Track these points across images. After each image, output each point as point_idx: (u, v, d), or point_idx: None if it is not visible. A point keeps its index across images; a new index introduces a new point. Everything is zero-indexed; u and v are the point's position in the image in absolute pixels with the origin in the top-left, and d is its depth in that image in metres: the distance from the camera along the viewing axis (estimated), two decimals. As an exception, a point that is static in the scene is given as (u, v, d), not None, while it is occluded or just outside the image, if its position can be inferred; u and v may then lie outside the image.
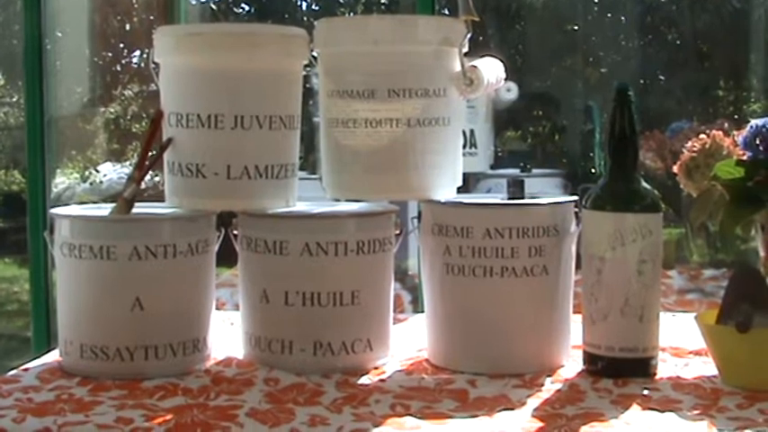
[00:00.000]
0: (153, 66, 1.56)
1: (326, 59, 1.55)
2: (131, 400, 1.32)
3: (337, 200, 1.61)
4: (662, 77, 7.00)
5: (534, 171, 4.64)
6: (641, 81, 6.80)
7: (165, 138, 1.52)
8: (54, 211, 1.50)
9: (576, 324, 1.49)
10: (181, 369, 1.44)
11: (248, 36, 1.49)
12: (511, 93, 4.37)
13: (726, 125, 1.74)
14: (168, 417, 1.25)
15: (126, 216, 1.48)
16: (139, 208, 1.52)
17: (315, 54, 1.56)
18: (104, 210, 1.53)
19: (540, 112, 7.35)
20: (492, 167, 4.25)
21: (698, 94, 7.01)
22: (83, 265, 1.43)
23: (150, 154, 1.54)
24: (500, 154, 5.37)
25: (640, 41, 7.15)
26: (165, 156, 1.53)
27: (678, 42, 7.22)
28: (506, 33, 7.20)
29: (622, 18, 7.19)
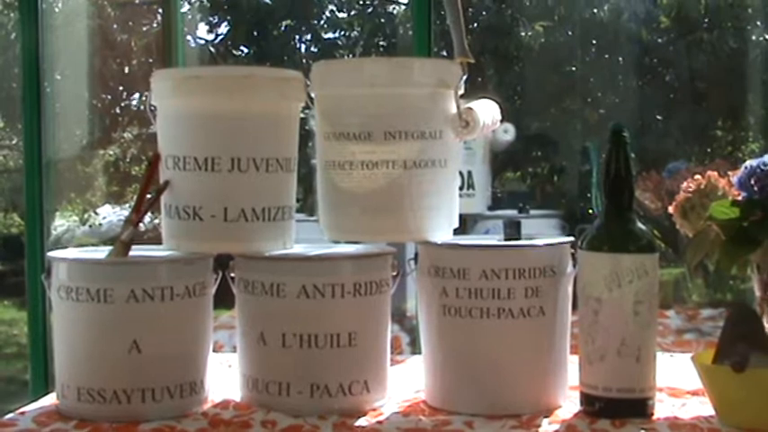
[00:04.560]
0: (151, 108, 1.57)
1: (323, 102, 1.56)
2: (128, 443, 1.32)
3: (335, 242, 1.62)
4: (660, 118, 7.03)
5: (532, 212, 4.65)
6: (639, 122, 6.82)
7: (162, 180, 1.53)
8: (51, 254, 1.50)
9: (573, 365, 1.49)
10: (178, 412, 1.44)
11: (244, 79, 1.50)
12: (508, 134, 4.39)
13: (721, 166, 1.74)
14: (165, 460, 1.25)
15: (123, 259, 1.49)
16: (137, 251, 1.53)
17: (312, 96, 1.57)
18: (102, 252, 1.53)
19: (539, 153, 7.37)
20: (490, 209, 4.26)
21: (696, 135, 7.03)
22: (80, 308, 1.43)
23: (148, 197, 1.55)
24: (499, 195, 5.38)
25: (638, 82, 7.18)
26: (163, 198, 1.53)
27: (676, 83, 7.25)
28: (505, 75, 7.23)
29: (620, 59, 7.22)
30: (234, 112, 1.49)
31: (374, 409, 1.48)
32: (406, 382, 1.63)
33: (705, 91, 7.14)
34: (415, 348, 2.47)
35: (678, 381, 1.58)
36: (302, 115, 1.61)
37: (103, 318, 1.42)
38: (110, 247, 1.53)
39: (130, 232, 1.51)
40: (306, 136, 1.62)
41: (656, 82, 7.20)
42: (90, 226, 7.11)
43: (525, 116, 7.08)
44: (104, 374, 1.43)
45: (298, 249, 1.57)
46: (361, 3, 8.07)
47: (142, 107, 1.58)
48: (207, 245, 1.51)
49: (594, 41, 7.21)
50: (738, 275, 1.59)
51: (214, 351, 1.55)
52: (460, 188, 1.62)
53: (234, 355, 1.59)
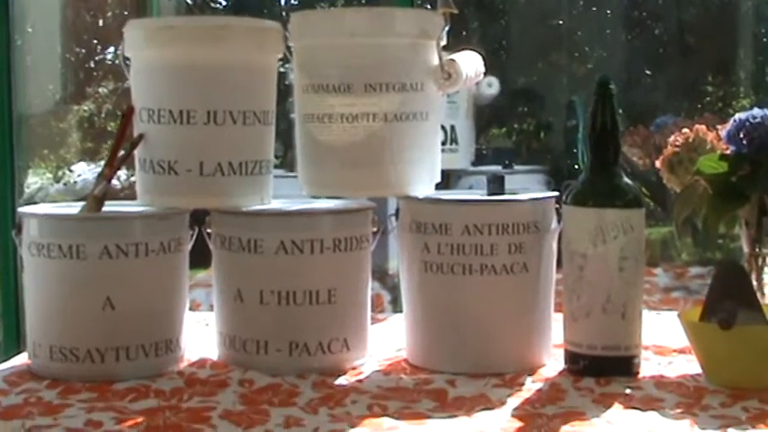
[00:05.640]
0: (125, 61, 1.56)
1: (301, 53, 1.55)
2: (102, 402, 1.32)
3: (315, 197, 1.61)
4: (648, 72, 7.02)
5: (516, 168, 4.64)
6: (627, 76, 6.81)
7: (136, 134, 1.52)
8: (22, 209, 1.49)
9: (557, 322, 1.49)
10: (153, 370, 1.44)
11: (220, 29, 1.49)
12: (492, 88, 4.36)
13: (710, 120, 1.74)
14: (139, 419, 1.25)
15: (96, 214, 1.48)
16: (110, 206, 1.52)
17: (290, 48, 1.56)
18: (74, 208, 1.52)
19: (526, 109, 7.36)
20: (473, 164, 4.25)
21: (685, 90, 7.03)
22: (52, 265, 1.42)
23: (121, 151, 1.54)
24: (485, 152, 5.37)
25: (627, 36, 7.16)
26: (137, 152, 1.53)
27: (665, 37, 7.23)
28: (489, 28, 7.20)
29: (608, 12, 7.20)
30: (209, 64, 1.48)
31: (354, 368, 1.49)
32: (387, 340, 1.63)
33: (695, 45, 7.13)
34: (396, 307, 2.48)
35: (665, 338, 1.59)
36: (282, 69, 1.60)
37: (76, 274, 1.41)
38: (82, 203, 1.53)
39: (103, 187, 1.50)
40: (286, 91, 1.61)
41: (644, 35, 7.18)
42: (64, 184, 7.08)
43: (511, 71, 7.06)
44: (77, 333, 1.43)
45: (276, 204, 1.57)
46: (342, -47, 8.03)
47: (117, 61, 1.57)
48: (182, 200, 1.50)
49: (582, -6, 7.19)
50: (727, 234, 1.59)
51: (191, 310, 1.56)
52: (443, 143, 1.63)
53: (211, 314, 1.59)
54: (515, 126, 7.40)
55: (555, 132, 6.80)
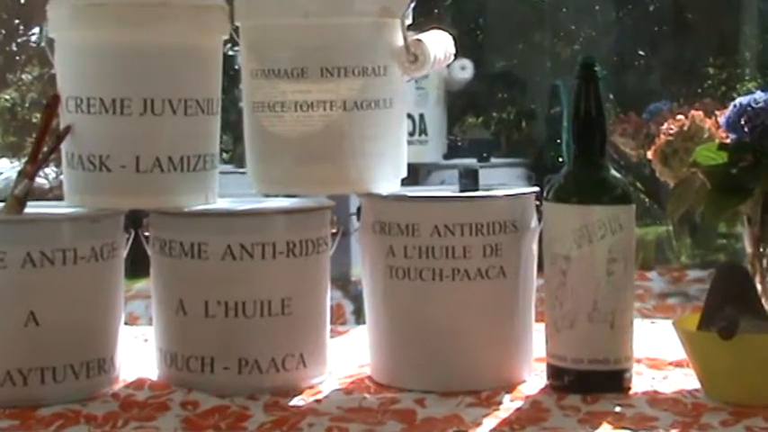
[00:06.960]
0: (49, 42, 1.56)
1: (250, 34, 1.55)
2: (24, 430, 1.32)
3: (266, 195, 1.62)
4: (642, 53, 7.04)
5: (494, 161, 4.65)
6: (619, 58, 6.83)
7: (62, 126, 1.52)
8: (-69, 213, 1.49)
9: (539, 333, 1.50)
10: (84, 393, 1.44)
11: (157, 7, 1.48)
12: (465, 71, 4.36)
13: (708, 105, 1.75)
14: (68, 448, 1.25)
15: (17, 217, 1.48)
16: (34, 207, 1.52)
17: (238, 28, 1.56)
18: (-9, 210, 1.52)
19: (505, 96, 7.37)
20: (446, 157, 4.24)
21: (684, 73, 7.05)
22: (-33, 275, 1.42)
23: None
24: (460, 143, 5.39)
25: (618, 13, 7.19)
26: (64, 147, 1.52)
27: (661, 13, 7.26)
28: (464, 5, 7.22)
29: (596, -14, 7.23)
30: (146, 46, 1.48)
31: (311, 387, 1.49)
32: (348, 355, 1.64)
33: (694, 22, 7.16)
34: (360, 318, 2.48)
35: (659, 350, 1.60)
36: (231, 53, 1.60)
37: (-5, 285, 1.41)
38: (1, 204, 1.52)
39: (25, 186, 1.49)
40: (235, 76, 1.61)
41: (637, 12, 7.21)
42: (-16, 184, 7.05)
43: (488, 53, 7.07)
44: (-3, 351, 1.42)
45: (222, 204, 1.57)
46: None
47: (42, 43, 1.57)
48: (116, 199, 1.50)
49: (568, -34, 7.21)
50: (729, 232, 1.60)
51: (128, 323, 1.56)
52: (411, 133, 1.64)
53: (150, 329, 1.58)
54: (494, 115, 7.40)
55: (538, 121, 6.81)
